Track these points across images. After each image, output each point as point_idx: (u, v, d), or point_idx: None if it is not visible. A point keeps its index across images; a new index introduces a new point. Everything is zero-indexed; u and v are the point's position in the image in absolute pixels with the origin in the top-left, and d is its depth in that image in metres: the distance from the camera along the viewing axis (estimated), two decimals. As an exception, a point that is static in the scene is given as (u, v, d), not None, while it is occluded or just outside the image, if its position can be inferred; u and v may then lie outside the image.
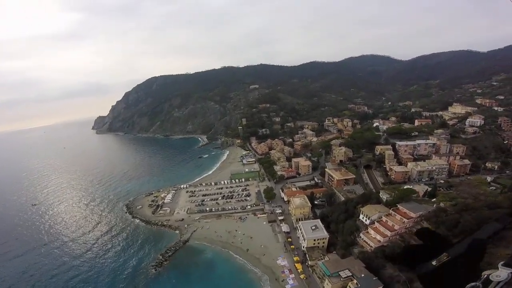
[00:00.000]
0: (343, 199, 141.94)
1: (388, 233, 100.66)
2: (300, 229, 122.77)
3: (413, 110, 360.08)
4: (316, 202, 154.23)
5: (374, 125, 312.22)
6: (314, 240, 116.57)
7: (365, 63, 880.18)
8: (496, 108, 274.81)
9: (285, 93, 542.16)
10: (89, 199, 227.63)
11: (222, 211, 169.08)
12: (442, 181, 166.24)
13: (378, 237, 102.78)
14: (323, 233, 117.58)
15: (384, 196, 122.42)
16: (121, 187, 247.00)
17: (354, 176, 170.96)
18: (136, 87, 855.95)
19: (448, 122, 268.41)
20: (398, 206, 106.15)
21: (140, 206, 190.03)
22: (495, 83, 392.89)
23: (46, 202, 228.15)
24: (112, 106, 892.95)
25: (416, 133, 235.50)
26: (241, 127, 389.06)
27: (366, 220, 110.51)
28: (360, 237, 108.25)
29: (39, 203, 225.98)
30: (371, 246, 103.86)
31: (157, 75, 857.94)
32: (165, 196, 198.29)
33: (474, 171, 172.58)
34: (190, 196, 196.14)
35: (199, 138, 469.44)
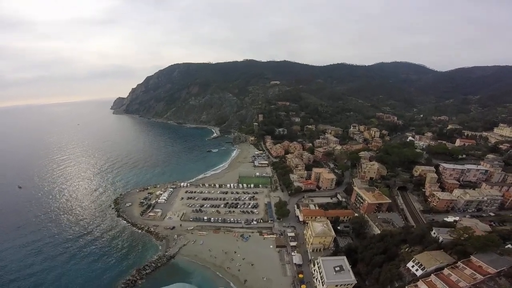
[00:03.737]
0: (377, 231, 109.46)
1: (449, 290, 69.82)
2: (319, 267, 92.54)
3: (450, 126, 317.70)
4: (339, 228, 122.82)
5: (408, 139, 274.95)
6: (337, 286, 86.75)
7: (398, 70, 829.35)
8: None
9: (307, 93, 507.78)
10: (82, 186, 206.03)
11: (222, 223, 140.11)
12: (492, 214, 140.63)
13: (433, 294, 71.83)
14: (350, 278, 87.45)
15: (441, 236, 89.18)
16: (118, 176, 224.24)
17: (390, 201, 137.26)
18: (158, 72, 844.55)
19: (499, 146, 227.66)
20: (472, 257, 74.35)
21: (130, 204, 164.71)
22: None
23: (36, 185, 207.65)
24: (132, 88, 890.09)
25: (464, 156, 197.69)
26: (256, 124, 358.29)
27: (417, 270, 78.74)
28: (405, 291, 76.99)
29: (27, 186, 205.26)
30: (417, 305, 73.25)
31: (179, 62, 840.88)
32: (161, 194, 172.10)
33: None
34: (188, 198, 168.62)
35: (212, 130, 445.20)
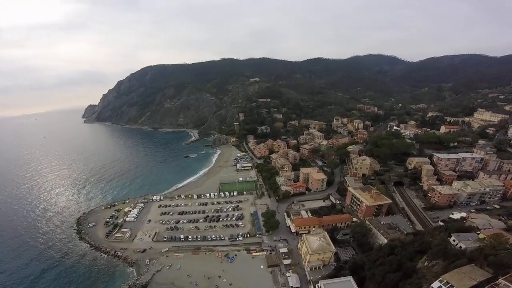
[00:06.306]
0: (383, 240, 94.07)
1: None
2: (321, 292, 75.65)
3: (430, 114, 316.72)
4: (338, 237, 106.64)
5: (393, 129, 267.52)
6: (345, 316, 69.98)
7: (372, 62, 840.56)
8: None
9: (287, 88, 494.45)
10: (41, 204, 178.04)
11: (202, 242, 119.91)
12: (496, 206, 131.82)
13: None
14: (360, 305, 70.78)
15: (463, 243, 74.80)
16: (83, 192, 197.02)
17: (390, 201, 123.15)
18: (130, 76, 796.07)
19: (486, 131, 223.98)
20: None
21: (94, 224, 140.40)
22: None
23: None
24: (103, 94, 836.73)
25: (456, 144, 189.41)
26: (237, 123, 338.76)
27: (447, 291, 63.47)
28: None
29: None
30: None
31: (153, 65, 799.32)
32: (130, 211, 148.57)
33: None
34: (162, 214, 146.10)
35: (190, 133, 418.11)
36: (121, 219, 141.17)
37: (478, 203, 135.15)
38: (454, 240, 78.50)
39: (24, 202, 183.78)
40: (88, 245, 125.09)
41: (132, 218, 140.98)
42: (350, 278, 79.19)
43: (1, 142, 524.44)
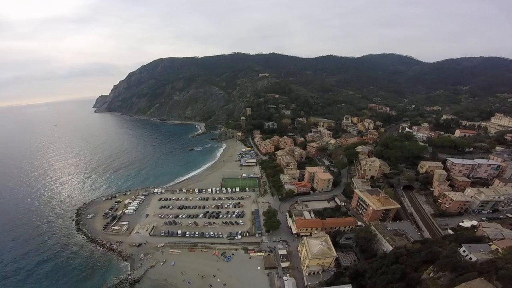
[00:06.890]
0: (388, 247, 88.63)
1: None
2: (318, 301, 71.28)
3: (445, 116, 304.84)
4: (340, 241, 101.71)
5: (405, 130, 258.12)
6: (343, 327, 65.61)
7: (386, 62, 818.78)
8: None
9: (297, 85, 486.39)
10: (46, 193, 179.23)
11: (200, 238, 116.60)
12: (510, 215, 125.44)
13: None
14: (359, 316, 66.12)
15: (474, 255, 69.15)
16: (88, 182, 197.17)
17: (399, 206, 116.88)
18: (141, 68, 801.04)
19: (504, 137, 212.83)
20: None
21: (92, 215, 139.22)
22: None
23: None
24: (114, 85, 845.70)
25: (471, 149, 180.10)
26: (244, 118, 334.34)
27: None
28: None
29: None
30: None
31: (163, 57, 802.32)
32: (130, 203, 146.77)
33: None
34: (161, 207, 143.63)
35: (197, 126, 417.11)
36: (120, 211, 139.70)
37: (491, 211, 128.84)
38: (464, 251, 72.80)
39: (30, 191, 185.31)
40: (84, 236, 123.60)
41: (131, 211, 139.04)
42: (350, 286, 74.68)
43: (13, 129, 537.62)
